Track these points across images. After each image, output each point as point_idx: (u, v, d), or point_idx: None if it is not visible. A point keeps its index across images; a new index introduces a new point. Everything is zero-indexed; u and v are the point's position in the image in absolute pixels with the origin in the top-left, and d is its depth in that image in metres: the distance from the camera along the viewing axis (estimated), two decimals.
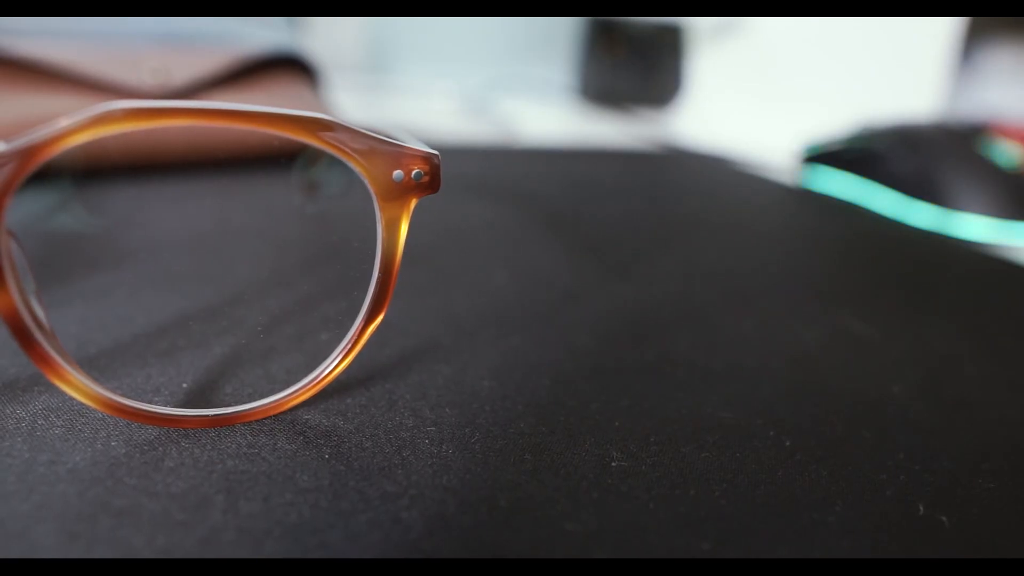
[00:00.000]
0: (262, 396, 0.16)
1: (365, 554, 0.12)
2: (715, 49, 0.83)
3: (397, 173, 0.14)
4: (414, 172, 0.14)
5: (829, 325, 0.24)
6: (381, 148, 0.14)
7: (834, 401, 0.19)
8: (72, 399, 0.16)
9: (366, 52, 0.86)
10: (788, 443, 0.17)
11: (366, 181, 0.14)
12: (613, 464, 0.15)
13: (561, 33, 0.88)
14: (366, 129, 0.14)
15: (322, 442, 0.15)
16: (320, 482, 0.14)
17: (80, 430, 0.15)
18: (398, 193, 0.15)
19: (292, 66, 0.44)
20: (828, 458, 0.16)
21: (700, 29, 0.83)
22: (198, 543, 0.12)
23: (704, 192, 0.45)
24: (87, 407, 0.16)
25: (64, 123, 0.13)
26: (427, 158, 0.15)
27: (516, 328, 0.22)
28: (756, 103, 0.78)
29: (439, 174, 0.15)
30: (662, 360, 0.21)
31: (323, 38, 0.80)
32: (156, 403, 0.15)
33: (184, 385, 0.17)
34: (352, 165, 0.14)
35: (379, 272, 0.15)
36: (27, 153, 0.13)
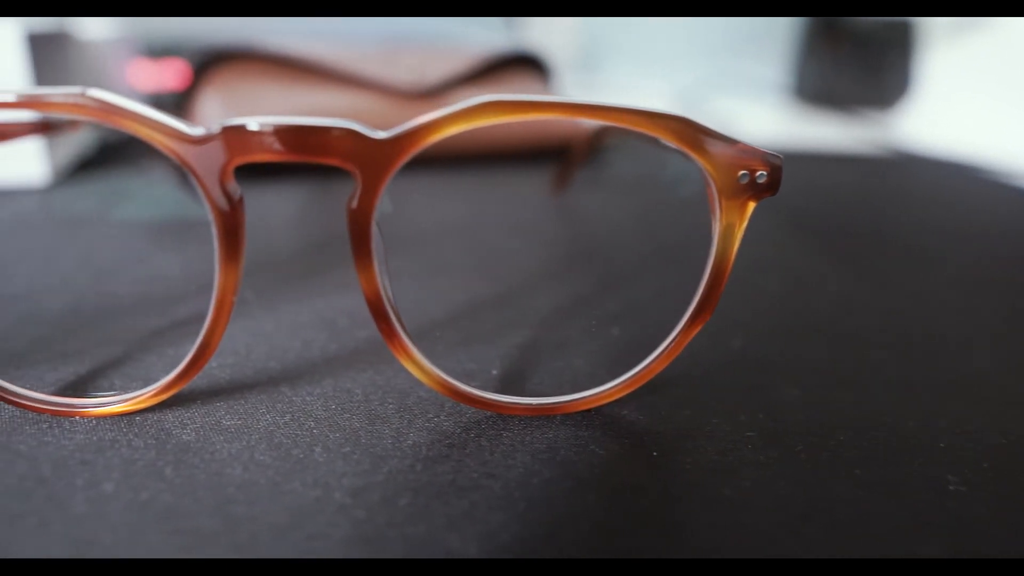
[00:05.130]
0: (572, 387, 0.17)
1: (717, 553, 0.12)
2: (951, 46, 0.77)
3: (742, 174, 0.14)
4: (758, 174, 0.14)
5: None
6: (731, 148, 0.14)
7: None
8: (393, 378, 0.17)
9: (580, 51, 0.86)
10: None
11: (712, 180, 0.14)
12: (951, 488, 0.14)
13: (778, 29, 0.85)
14: (716, 129, 0.14)
15: (646, 440, 0.15)
16: (654, 481, 0.14)
17: (410, 408, 0.16)
18: (739, 194, 0.14)
19: (526, 64, 0.45)
20: None
21: (934, 25, 0.77)
22: (551, 533, 0.13)
23: (951, 201, 0.42)
24: (410, 386, 0.17)
25: (439, 114, 0.13)
26: (771, 160, 0.14)
27: (801, 336, 0.21)
28: (999, 105, 0.72)
29: (780, 177, 0.14)
30: (968, 380, 0.19)
31: (538, 37, 0.81)
32: (476, 387, 0.16)
33: (494, 372, 0.18)
34: (701, 163, 0.14)
35: (711, 273, 0.15)
36: (406, 141, 0.14)
